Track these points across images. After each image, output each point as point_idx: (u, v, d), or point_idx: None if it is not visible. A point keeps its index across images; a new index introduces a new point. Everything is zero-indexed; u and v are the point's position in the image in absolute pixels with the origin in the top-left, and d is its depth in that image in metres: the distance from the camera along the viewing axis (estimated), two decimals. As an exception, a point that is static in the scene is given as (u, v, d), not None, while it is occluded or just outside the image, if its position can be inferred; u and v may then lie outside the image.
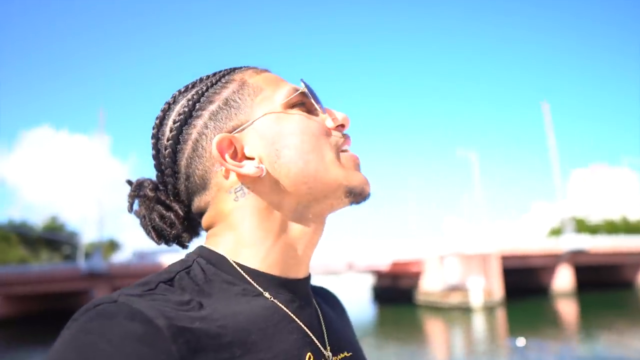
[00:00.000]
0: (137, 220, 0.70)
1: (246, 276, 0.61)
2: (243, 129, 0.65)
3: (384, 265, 31.42)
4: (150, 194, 0.68)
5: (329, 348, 0.64)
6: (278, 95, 0.66)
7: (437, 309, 27.23)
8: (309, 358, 0.59)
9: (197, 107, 0.66)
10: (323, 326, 0.67)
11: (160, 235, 0.69)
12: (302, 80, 0.68)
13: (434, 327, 23.37)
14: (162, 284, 0.56)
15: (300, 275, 0.66)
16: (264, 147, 0.64)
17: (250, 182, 0.64)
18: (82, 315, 0.49)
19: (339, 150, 0.67)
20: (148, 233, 0.69)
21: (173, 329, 0.49)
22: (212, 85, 0.68)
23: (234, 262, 0.62)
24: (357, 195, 0.67)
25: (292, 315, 0.61)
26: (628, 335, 17.24)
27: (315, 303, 0.70)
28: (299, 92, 0.67)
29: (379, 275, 36.69)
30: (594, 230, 50.46)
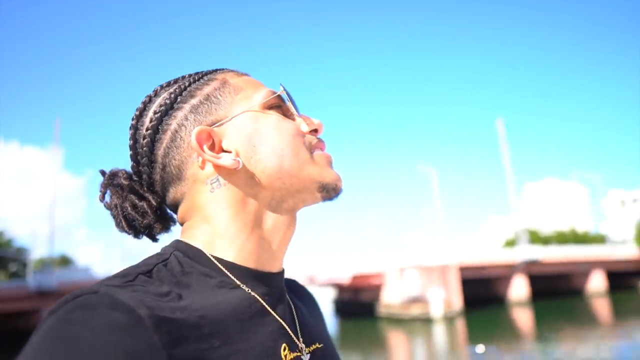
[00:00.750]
0: (108, 213, 0.70)
1: (223, 269, 0.62)
2: (222, 124, 0.67)
3: (345, 278, 31.44)
4: (125, 182, 0.69)
5: (301, 340, 0.66)
6: (257, 95, 0.70)
7: (399, 321, 27.43)
8: (284, 349, 0.61)
9: (178, 99, 0.68)
10: (296, 319, 0.69)
11: (131, 226, 0.69)
12: (281, 84, 0.71)
13: (395, 339, 23.50)
14: (141, 275, 0.56)
15: (275, 269, 0.68)
16: (242, 142, 0.67)
17: (226, 174, 0.65)
18: (61, 308, 0.49)
19: (312, 150, 0.70)
20: (118, 223, 0.69)
21: (155, 319, 0.50)
22: (194, 82, 0.70)
23: (211, 255, 0.63)
24: (330, 191, 0.69)
25: (268, 307, 0.63)
26: (579, 340, 17.90)
27: (288, 297, 0.71)
28: (276, 94, 0.70)
29: (340, 288, 36.67)
30: (545, 241, 52.38)
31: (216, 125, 0.67)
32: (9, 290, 28.05)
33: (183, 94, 0.69)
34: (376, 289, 31.65)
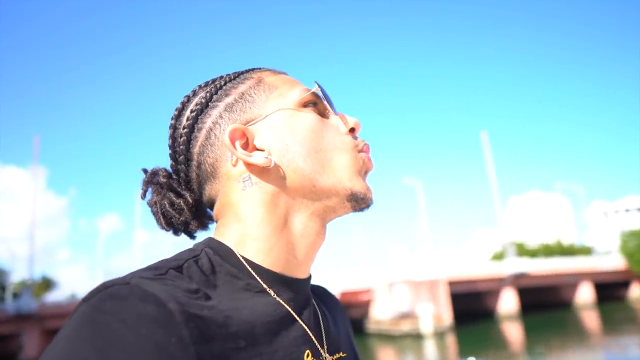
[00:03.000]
0: (149, 209, 0.73)
1: (251, 271, 0.62)
2: (256, 122, 0.67)
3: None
4: (163, 180, 0.71)
5: (326, 347, 0.66)
6: (292, 93, 0.69)
7: (389, 337, 27.11)
8: (307, 355, 0.61)
9: (214, 98, 0.69)
10: (322, 326, 0.68)
11: (169, 223, 0.72)
12: (316, 82, 0.70)
13: (386, 356, 23.16)
14: (171, 270, 0.57)
15: (302, 275, 0.67)
16: (275, 141, 0.66)
17: (258, 172, 0.65)
18: (93, 296, 0.50)
19: (351, 153, 0.68)
20: (158, 220, 0.72)
21: (185, 314, 0.50)
22: (230, 80, 0.71)
23: (240, 255, 0.63)
24: (360, 201, 0.68)
25: (293, 313, 0.62)
26: (569, 353, 17.87)
27: (315, 303, 0.71)
28: (311, 92, 0.69)
29: (329, 305, 36.23)
30: (532, 254, 52.59)
31: (250, 123, 0.67)
32: (-14, 314, 27.16)
33: (218, 92, 0.70)
34: (365, 305, 31.34)
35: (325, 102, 0.70)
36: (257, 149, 0.66)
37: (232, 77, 0.72)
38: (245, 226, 0.65)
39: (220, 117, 0.68)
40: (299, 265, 0.66)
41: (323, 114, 0.70)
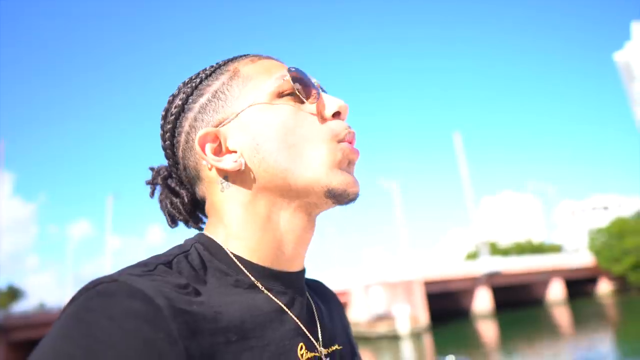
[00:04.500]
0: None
1: (241, 266, 0.62)
2: (228, 122, 0.65)
3: (311, 297, 30.88)
4: (162, 179, 0.74)
5: (320, 341, 0.65)
6: (265, 85, 0.65)
7: (366, 339, 27.09)
8: (301, 348, 0.60)
9: (189, 100, 0.68)
10: (316, 319, 0.67)
11: (173, 220, 0.74)
12: (290, 68, 0.66)
13: (363, 358, 23.11)
14: (161, 265, 0.56)
15: (293, 268, 0.66)
16: (246, 141, 0.64)
17: (233, 174, 0.65)
18: (81, 295, 0.49)
19: (327, 145, 0.63)
20: (165, 218, 0.75)
21: (172, 309, 0.50)
22: (205, 78, 0.69)
23: (230, 252, 0.63)
24: (340, 197, 0.64)
25: (284, 307, 0.62)
26: (542, 348, 18.25)
27: (309, 296, 0.70)
28: (283, 81, 0.65)
29: (306, 308, 36.12)
30: (505, 252, 53.56)
31: (222, 124, 0.65)
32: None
33: (194, 93, 0.68)
34: (342, 308, 31.27)
35: (300, 89, 0.64)
36: (230, 151, 0.64)
37: (208, 72, 0.69)
38: (228, 226, 0.64)
39: (195, 119, 0.67)
40: (289, 260, 0.65)
41: (304, 101, 0.65)
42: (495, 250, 52.57)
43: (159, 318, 0.48)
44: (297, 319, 0.62)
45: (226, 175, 0.65)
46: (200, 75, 0.69)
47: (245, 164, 0.63)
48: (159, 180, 0.73)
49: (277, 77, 0.65)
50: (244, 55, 0.70)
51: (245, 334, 0.56)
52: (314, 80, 0.67)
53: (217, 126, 0.65)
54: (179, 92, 0.69)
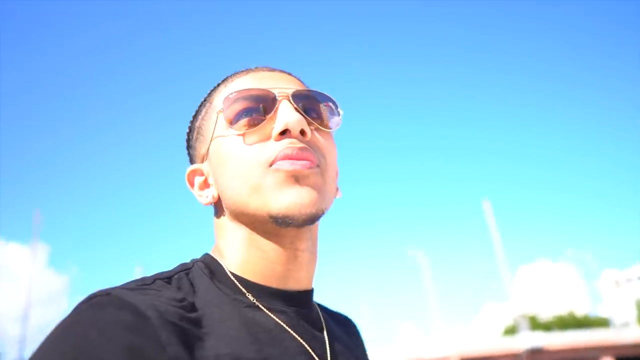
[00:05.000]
0: None
1: (239, 285, 0.63)
2: (206, 157, 0.70)
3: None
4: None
5: None
6: (222, 114, 0.66)
7: None
8: None
9: (189, 137, 0.76)
10: (326, 343, 0.66)
11: None
12: (230, 94, 0.66)
13: None
14: (159, 280, 0.58)
15: (293, 287, 0.66)
16: (213, 176, 0.68)
17: (216, 204, 0.71)
18: (75, 308, 0.52)
19: (258, 171, 0.62)
20: None
21: (162, 320, 0.51)
22: (196, 113, 0.74)
23: (230, 271, 0.65)
24: (284, 222, 0.61)
25: (284, 325, 0.62)
26: None
27: (324, 321, 0.71)
28: (219, 110, 0.66)
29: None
30: (546, 327, 50.37)
31: (204, 159, 0.71)
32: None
33: (191, 129, 0.74)
34: (374, 388, 29.39)
35: (230, 118, 0.64)
36: (210, 185, 0.70)
37: (198, 107, 0.74)
38: (222, 249, 0.68)
39: (192, 156, 0.74)
40: (284, 277, 0.65)
41: (255, 122, 0.64)
42: (535, 324, 49.49)
43: (147, 328, 0.49)
44: (300, 338, 0.62)
45: (214, 205, 0.71)
46: (196, 110, 0.74)
47: (218, 197, 0.68)
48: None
49: (226, 106, 0.65)
50: (226, 78, 0.72)
51: (242, 347, 0.55)
52: (277, 92, 0.65)
53: (202, 161, 0.71)
54: None
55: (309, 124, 0.65)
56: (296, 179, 0.61)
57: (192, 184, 0.71)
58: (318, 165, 0.64)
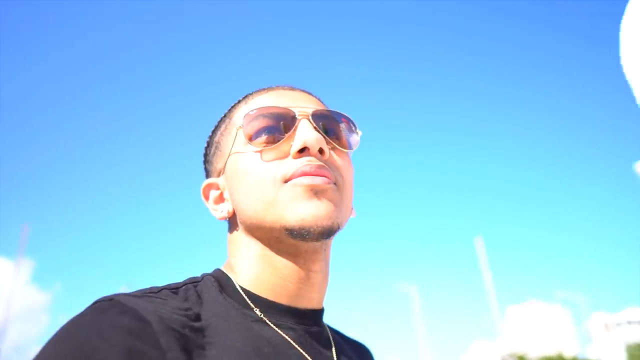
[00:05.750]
0: None
1: (248, 300, 0.64)
2: (223, 172, 0.72)
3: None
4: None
5: None
6: (241, 131, 0.68)
7: None
8: None
9: (207, 152, 0.78)
10: None
11: None
12: (250, 111, 0.67)
13: None
14: (166, 290, 0.60)
15: (304, 305, 0.67)
16: (229, 191, 0.70)
17: (229, 220, 0.72)
18: (78, 313, 0.53)
19: (275, 186, 0.64)
20: None
21: (164, 326, 0.52)
22: (215, 128, 0.77)
23: (240, 286, 0.66)
24: (301, 235, 0.62)
25: (292, 342, 0.62)
26: None
27: (334, 342, 0.71)
28: (240, 127, 0.68)
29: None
30: (534, 367, 49.49)
31: (221, 174, 0.72)
32: None
33: (209, 143, 0.77)
34: None
35: (251, 135, 0.66)
36: (225, 200, 0.71)
37: (216, 123, 0.77)
38: (235, 264, 0.69)
39: (208, 170, 0.76)
40: (295, 295, 0.66)
41: (274, 139, 0.65)
42: (524, 364, 48.64)
43: (147, 332, 0.50)
44: (308, 355, 0.62)
45: (228, 220, 0.73)
46: (214, 126, 0.76)
47: (233, 212, 0.69)
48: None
49: (244, 123, 0.67)
50: (246, 96, 0.74)
51: (247, 359, 0.55)
52: (297, 111, 0.67)
53: (219, 175, 0.72)
54: None
55: (328, 143, 0.67)
56: (314, 192, 0.62)
57: (207, 198, 0.72)
58: (335, 183, 0.65)
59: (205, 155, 0.78)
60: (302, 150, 0.64)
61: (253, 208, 0.63)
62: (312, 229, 0.61)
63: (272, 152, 0.64)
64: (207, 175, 0.77)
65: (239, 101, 0.74)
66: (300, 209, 0.61)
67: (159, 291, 0.58)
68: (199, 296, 0.61)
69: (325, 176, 0.63)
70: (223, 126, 0.73)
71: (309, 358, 0.61)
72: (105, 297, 0.54)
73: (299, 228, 0.61)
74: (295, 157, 0.64)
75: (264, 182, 0.63)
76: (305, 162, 0.63)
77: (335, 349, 0.69)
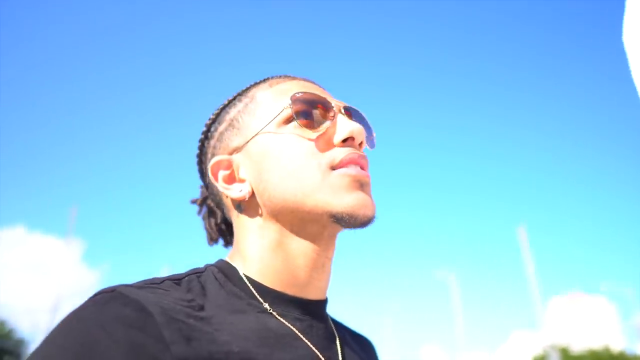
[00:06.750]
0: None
1: (253, 291, 0.62)
2: (240, 150, 0.68)
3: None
4: (201, 201, 0.81)
5: None
6: (273, 111, 0.66)
7: None
8: None
9: (211, 128, 0.73)
10: (340, 355, 0.66)
11: (212, 239, 0.80)
12: (295, 93, 0.66)
13: None
14: (168, 281, 0.58)
15: (310, 296, 0.66)
16: (252, 170, 0.66)
17: (243, 202, 0.68)
18: (81, 304, 0.52)
19: (333, 168, 0.63)
20: (206, 236, 0.81)
21: (166, 317, 0.51)
22: (226, 106, 0.73)
23: (244, 275, 0.64)
24: (347, 222, 0.62)
25: (298, 333, 0.61)
26: None
27: (338, 334, 0.70)
28: (287, 108, 0.65)
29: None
30: (578, 360, 48.33)
31: (235, 152, 0.68)
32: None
33: (216, 120, 0.72)
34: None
35: (300, 117, 0.64)
36: (241, 180, 0.67)
37: (230, 98, 0.72)
38: (243, 251, 0.66)
39: (214, 147, 0.72)
40: (304, 285, 0.65)
41: (315, 125, 0.64)
42: (566, 356, 47.55)
43: (149, 324, 0.49)
44: (314, 347, 0.61)
45: (239, 203, 0.68)
46: (224, 103, 0.72)
47: (252, 193, 0.65)
48: (200, 200, 0.80)
49: (283, 103, 0.65)
50: (267, 79, 0.72)
51: (251, 349, 0.54)
52: (333, 103, 0.67)
53: (231, 154, 0.69)
54: (214, 117, 0.74)
55: None
56: (361, 184, 0.63)
57: (216, 176, 0.68)
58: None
59: (209, 131, 0.73)
60: (345, 140, 0.65)
61: (291, 191, 0.62)
62: (359, 217, 0.61)
63: (314, 136, 0.64)
64: (207, 153, 0.73)
65: (259, 83, 0.72)
66: (350, 198, 0.61)
67: (161, 282, 0.57)
68: (202, 287, 0.60)
69: (366, 168, 0.66)
70: (241, 105, 0.70)
71: (314, 349, 0.60)
72: (107, 288, 0.53)
73: (348, 214, 0.61)
74: (339, 146, 0.64)
75: (309, 167, 0.62)
76: (352, 151, 0.64)
77: (340, 340, 0.69)
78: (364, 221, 0.62)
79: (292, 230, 0.64)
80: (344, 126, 0.64)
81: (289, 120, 0.64)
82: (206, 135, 0.73)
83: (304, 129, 0.64)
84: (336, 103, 0.67)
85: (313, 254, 0.65)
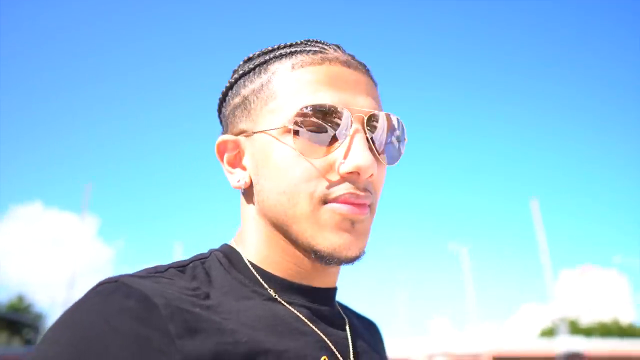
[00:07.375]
0: None
1: (259, 277, 0.61)
2: (246, 137, 0.63)
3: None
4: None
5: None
6: (284, 112, 0.60)
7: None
8: None
9: (229, 94, 0.67)
10: (349, 341, 0.64)
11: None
12: (306, 106, 0.58)
13: None
14: (172, 269, 0.57)
15: (318, 284, 0.64)
16: (253, 164, 0.63)
17: (244, 190, 0.66)
18: (83, 296, 0.50)
19: (321, 202, 0.58)
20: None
21: (171, 308, 0.49)
22: (246, 74, 0.65)
23: (249, 261, 0.62)
24: (327, 260, 0.59)
25: (305, 319, 0.60)
26: None
27: (348, 320, 0.69)
28: (283, 126, 0.59)
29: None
30: (587, 332, 48.66)
31: (242, 135, 0.64)
32: (14, 356, 27.07)
33: (234, 87, 0.66)
34: (402, 377, 29.35)
35: (305, 135, 0.58)
36: (243, 167, 0.64)
37: (251, 66, 0.65)
38: (245, 236, 0.65)
39: (227, 118, 0.67)
40: (310, 274, 0.63)
41: (322, 143, 0.58)
42: (575, 328, 47.87)
43: (154, 316, 0.47)
44: (322, 333, 0.59)
45: (243, 190, 0.66)
46: (244, 67, 0.66)
47: (250, 184, 0.63)
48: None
49: (295, 106, 0.59)
50: (292, 54, 0.63)
51: (259, 338, 0.53)
52: (354, 115, 0.59)
53: (237, 134, 0.64)
54: (235, 72, 0.68)
55: (377, 161, 0.61)
56: (352, 222, 0.59)
57: (221, 157, 0.65)
58: (369, 206, 0.61)
59: (225, 100, 0.68)
60: (351, 172, 0.58)
61: (281, 209, 0.59)
62: (340, 259, 0.58)
63: (316, 157, 0.58)
64: (225, 124, 0.68)
65: (282, 57, 0.63)
66: (335, 239, 0.58)
67: (165, 270, 0.55)
68: (207, 274, 0.58)
69: (365, 205, 0.60)
70: (257, 82, 0.63)
71: (323, 336, 0.59)
72: (110, 278, 0.51)
73: (328, 255, 0.58)
74: (342, 176, 0.58)
75: (302, 193, 0.58)
76: (352, 189, 0.58)
77: (350, 327, 0.67)
78: (345, 262, 0.59)
79: (285, 235, 0.61)
80: (354, 156, 0.57)
81: (296, 132, 0.58)
82: (223, 104, 0.69)
83: (310, 143, 0.58)
84: (356, 114, 0.59)
85: (312, 263, 0.62)
